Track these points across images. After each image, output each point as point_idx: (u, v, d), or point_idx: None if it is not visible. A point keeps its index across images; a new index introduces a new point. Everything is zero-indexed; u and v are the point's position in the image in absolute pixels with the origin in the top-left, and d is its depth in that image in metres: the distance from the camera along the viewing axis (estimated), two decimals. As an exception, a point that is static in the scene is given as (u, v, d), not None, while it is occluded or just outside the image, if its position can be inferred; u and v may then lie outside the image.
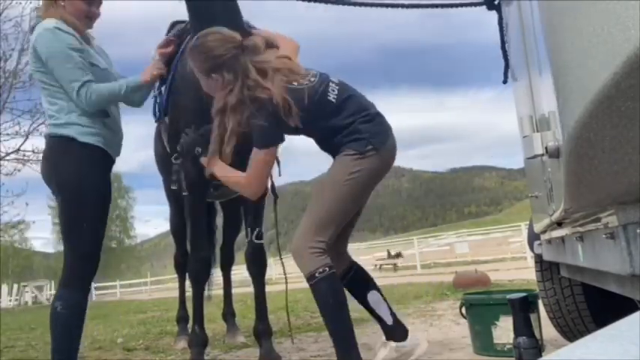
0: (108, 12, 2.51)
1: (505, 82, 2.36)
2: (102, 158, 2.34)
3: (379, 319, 2.49)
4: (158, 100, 3.01)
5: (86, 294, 2.25)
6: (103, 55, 2.51)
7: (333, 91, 2.24)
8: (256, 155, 2.20)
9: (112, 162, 2.45)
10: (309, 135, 2.32)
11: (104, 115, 2.34)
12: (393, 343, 2.43)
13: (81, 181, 2.24)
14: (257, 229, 2.98)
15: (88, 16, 2.38)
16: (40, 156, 11.14)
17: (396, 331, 2.47)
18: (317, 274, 2.10)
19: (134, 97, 2.52)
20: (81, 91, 2.19)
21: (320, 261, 2.13)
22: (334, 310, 2.16)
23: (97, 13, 2.42)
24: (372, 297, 2.49)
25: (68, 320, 2.17)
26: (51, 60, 2.20)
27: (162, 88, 2.99)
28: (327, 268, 2.12)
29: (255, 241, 2.95)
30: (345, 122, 2.20)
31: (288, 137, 2.37)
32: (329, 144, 2.26)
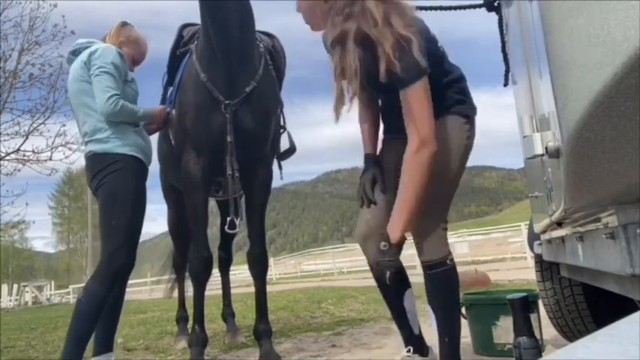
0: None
1: (506, 84, 2.35)
2: (136, 166, 2.54)
3: (404, 327, 2.16)
4: (167, 97, 3.20)
5: (108, 290, 2.37)
6: (135, 84, 2.78)
7: (438, 40, 1.93)
8: (408, 96, 1.76)
9: (147, 170, 2.64)
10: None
11: (134, 125, 2.61)
12: (418, 358, 2.13)
13: (119, 188, 2.46)
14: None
15: (137, 61, 2.91)
16: (40, 156, 11.24)
17: (423, 344, 2.19)
18: (448, 261, 1.96)
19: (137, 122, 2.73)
20: (111, 99, 2.47)
21: (448, 247, 1.98)
22: (457, 301, 2.04)
23: (140, 62, 2.95)
24: (409, 300, 2.15)
25: (85, 308, 2.30)
26: (103, 67, 2.50)
27: (170, 89, 3.14)
28: (452, 256, 1.97)
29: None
30: (454, 76, 1.95)
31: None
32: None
